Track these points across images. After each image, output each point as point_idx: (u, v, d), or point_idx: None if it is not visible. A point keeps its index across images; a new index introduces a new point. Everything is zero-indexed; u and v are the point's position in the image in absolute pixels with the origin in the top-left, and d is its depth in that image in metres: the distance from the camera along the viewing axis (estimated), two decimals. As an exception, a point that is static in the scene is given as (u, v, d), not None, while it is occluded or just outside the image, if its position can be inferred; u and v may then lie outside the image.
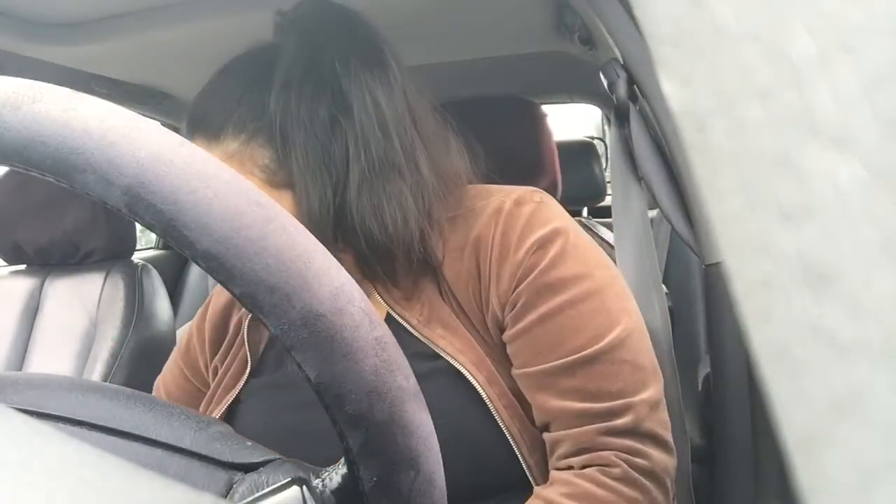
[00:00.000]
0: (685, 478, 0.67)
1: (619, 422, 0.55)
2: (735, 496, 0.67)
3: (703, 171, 0.13)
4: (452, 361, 0.59)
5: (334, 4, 0.64)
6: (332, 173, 0.59)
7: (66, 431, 0.31)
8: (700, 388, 0.93)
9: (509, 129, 1.25)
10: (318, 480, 0.30)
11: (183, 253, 0.25)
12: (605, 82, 0.85)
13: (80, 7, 0.95)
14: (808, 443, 0.11)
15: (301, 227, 0.27)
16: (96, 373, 1.32)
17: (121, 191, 0.25)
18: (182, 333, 1.63)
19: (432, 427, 0.29)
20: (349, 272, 0.67)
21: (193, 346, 0.76)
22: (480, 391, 0.58)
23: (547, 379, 0.57)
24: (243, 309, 0.65)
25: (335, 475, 0.30)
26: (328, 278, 0.26)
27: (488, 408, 0.58)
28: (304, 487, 0.29)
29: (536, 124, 1.29)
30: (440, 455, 0.30)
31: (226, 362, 0.71)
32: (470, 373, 0.58)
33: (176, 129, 1.60)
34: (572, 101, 1.89)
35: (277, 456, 0.34)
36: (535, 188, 0.64)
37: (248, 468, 0.32)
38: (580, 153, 1.77)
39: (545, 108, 1.38)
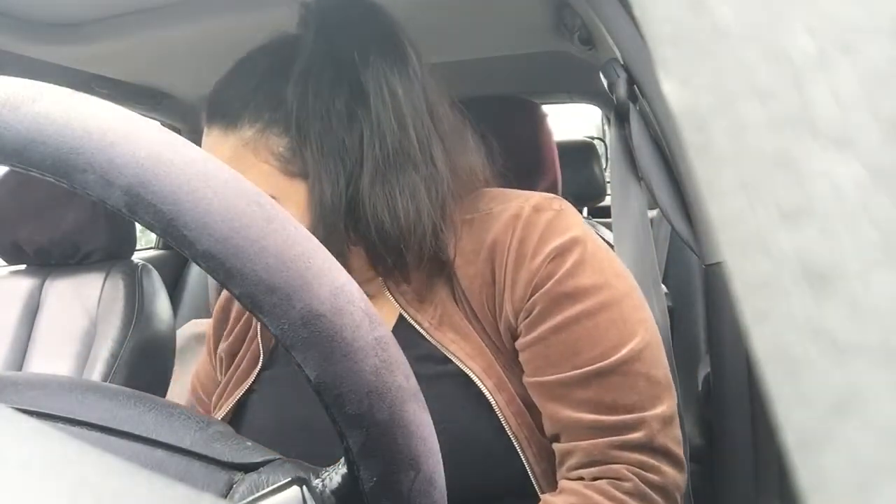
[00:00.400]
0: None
1: (633, 436, 0.54)
2: (735, 496, 0.67)
3: (703, 171, 0.13)
4: (462, 366, 0.58)
5: None
6: (346, 164, 0.59)
7: (66, 431, 0.31)
8: (700, 388, 0.93)
9: (509, 129, 1.25)
10: (318, 480, 0.30)
11: (183, 253, 0.26)
12: (605, 82, 0.85)
13: (80, 7, 0.95)
14: (808, 443, 0.11)
15: (301, 227, 0.27)
16: (96, 373, 1.32)
17: (121, 191, 0.25)
18: (182, 333, 1.63)
19: (432, 427, 0.29)
20: (361, 268, 0.66)
21: (209, 337, 0.79)
22: (489, 397, 0.57)
23: (560, 389, 0.56)
24: None
25: (335, 475, 0.30)
26: (328, 278, 0.26)
27: (496, 414, 0.57)
28: (304, 487, 0.29)
29: (536, 124, 1.29)
30: (440, 455, 0.30)
31: (238, 354, 0.71)
32: (479, 378, 0.58)
33: (176, 130, 1.60)
34: (572, 101, 1.89)
35: (277, 456, 0.34)
36: (554, 195, 0.64)
37: (248, 468, 0.32)
38: (580, 153, 1.77)
39: (545, 108, 1.38)
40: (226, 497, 0.31)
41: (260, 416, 0.66)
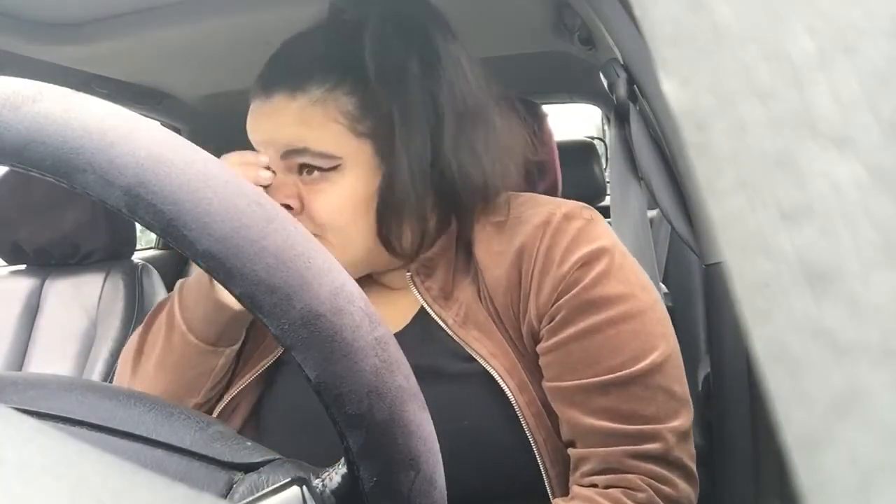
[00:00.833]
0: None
1: (649, 447, 0.54)
2: (735, 496, 0.67)
3: (703, 171, 0.13)
4: (485, 365, 0.59)
5: None
6: (427, 121, 0.61)
7: (66, 431, 0.31)
8: (700, 388, 0.93)
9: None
10: (318, 480, 0.30)
11: (183, 253, 0.26)
12: (605, 82, 0.85)
13: (80, 7, 0.95)
14: (808, 443, 0.11)
15: (301, 226, 0.27)
16: (96, 373, 1.32)
17: (121, 191, 0.25)
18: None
19: (432, 427, 0.29)
20: (390, 261, 0.63)
21: None
22: (511, 397, 0.58)
23: (579, 395, 0.56)
24: None
25: (335, 475, 0.30)
26: (328, 278, 0.26)
27: (516, 414, 0.58)
28: (304, 487, 0.29)
29: (537, 124, 1.28)
30: (440, 455, 0.30)
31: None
32: (502, 378, 0.58)
33: (176, 130, 1.60)
34: (572, 101, 1.89)
35: (277, 456, 0.34)
36: (585, 204, 0.64)
37: (248, 468, 0.32)
38: (580, 153, 1.77)
39: (545, 108, 1.37)
40: (226, 497, 0.31)
41: (280, 398, 0.66)
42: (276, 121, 0.61)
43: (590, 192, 1.77)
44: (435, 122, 0.61)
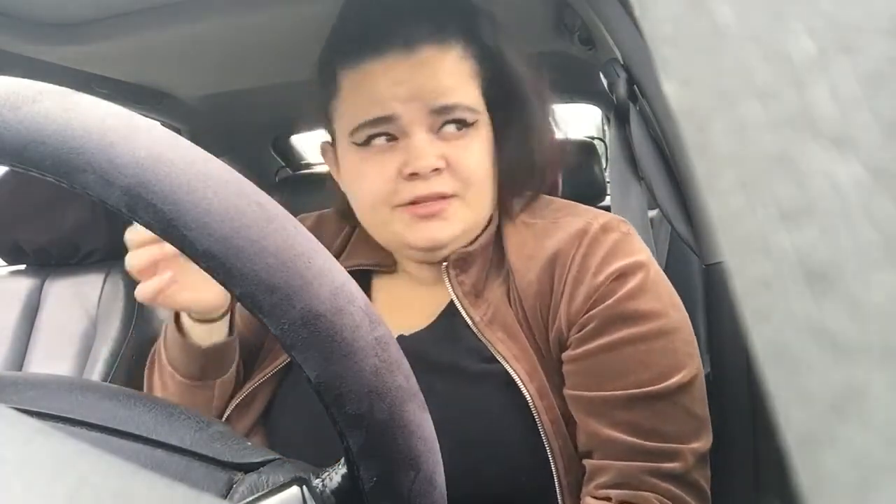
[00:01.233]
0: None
1: (668, 465, 0.54)
2: (735, 496, 0.67)
3: (703, 171, 0.13)
4: (507, 367, 0.58)
5: None
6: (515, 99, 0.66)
7: (66, 431, 0.31)
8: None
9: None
10: (318, 480, 0.30)
11: (183, 253, 0.25)
12: (605, 82, 0.85)
13: (80, 7, 0.95)
14: (808, 443, 0.11)
15: (301, 226, 0.27)
16: (96, 373, 1.32)
17: (121, 191, 0.25)
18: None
19: (432, 427, 0.29)
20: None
21: None
22: (529, 401, 0.57)
23: (603, 407, 0.56)
24: None
25: (335, 475, 0.30)
26: (328, 278, 0.26)
27: (534, 419, 0.57)
28: (304, 487, 0.29)
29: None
30: (440, 455, 0.30)
31: None
32: (522, 381, 0.58)
33: (176, 130, 1.60)
34: (572, 101, 1.89)
35: (277, 456, 0.34)
36: (622, 218, 0.65)
37: (248, 468, 0.32)
38: (580, 153, 1.77)
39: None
40: (226, 497, 0.31)
41: (302, 390, 0.66)
42: (428, 74, 0.60)
43: (590, 192, 1.77)
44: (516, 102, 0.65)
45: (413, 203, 0.60)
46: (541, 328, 0.60)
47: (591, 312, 0.57)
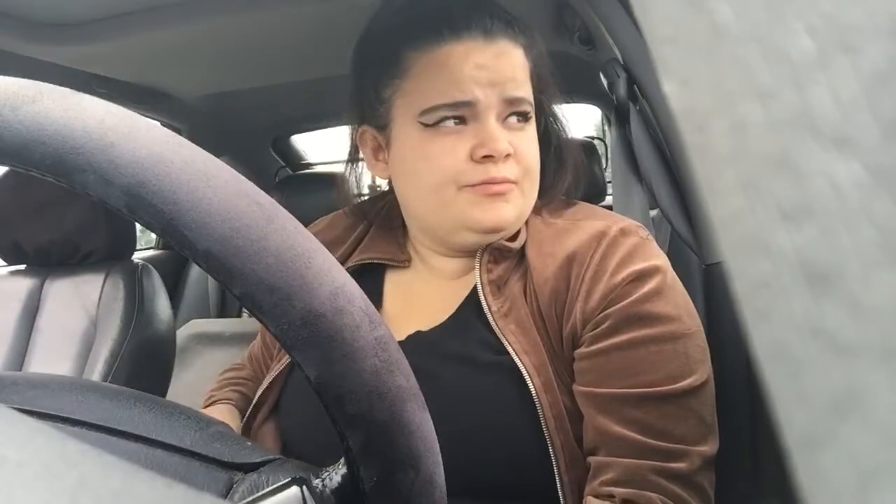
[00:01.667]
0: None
1: (675, 466, 0.54)
2: (735, 496, 0.67)
3: (703, 171, 0.13)
4: (516, 359, 0.59)
5: None
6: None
7: (66, 431, 0.31)
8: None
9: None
10: (318, 480, 0.30)
11: (183, 253, 0.25)
12: (605, 82, 0.85)
13: (80, 7, 0.95)
14: (808, 443, 0.11)
15: (301, 226, 0.27)
16: (96, 373, 1.32)
17: (121, 191, 0.25)
18: (182, 333, 1.63)
19: (432, 427, 0.29)
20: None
21: None
22: (534, 394, 0.58)
23: (612, 403, 0.56)
24: None
25: (335, 475, 0.30)
26: (328, 278, 0.26)
27: (538, 413, 0.58)
28: (304, 487, 0.29)
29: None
30: (440, 455, 0.30)
31: None
32: (529, 375, 0.58)
33: (176, 130, 1.60)
34: (572, 101, 1.89)
35: (277, 456, 0.34)
36: (640, 224, 0.66)
37: (248, 468, 0.32)
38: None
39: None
40: (226, 497, 0.31)
41: (305, 389, 0.67)
42: (506, 65, 0.63)
43: (590, 191, 1.77)
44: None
45: (483, 184, 0.62)
46: (554, 325, 0.61)
47: (607, 311, 0.58)
